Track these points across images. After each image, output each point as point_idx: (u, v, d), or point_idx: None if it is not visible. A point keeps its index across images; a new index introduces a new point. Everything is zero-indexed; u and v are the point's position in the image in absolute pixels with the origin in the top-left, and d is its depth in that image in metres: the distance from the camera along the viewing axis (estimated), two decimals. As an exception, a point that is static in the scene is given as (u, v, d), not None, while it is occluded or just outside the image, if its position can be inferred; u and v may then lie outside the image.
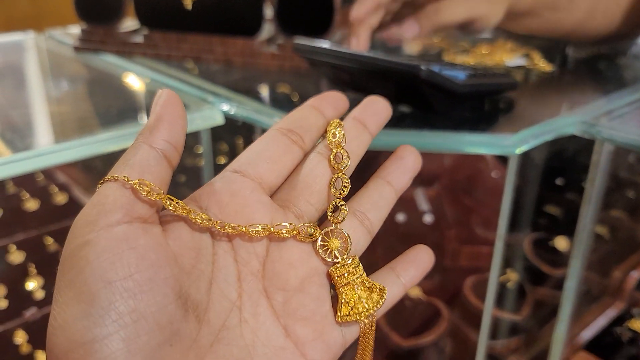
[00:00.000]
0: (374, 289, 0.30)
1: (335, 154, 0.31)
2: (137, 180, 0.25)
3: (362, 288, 0.29)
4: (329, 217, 0.30)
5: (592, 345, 0.63)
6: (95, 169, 0.93)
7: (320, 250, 0.29)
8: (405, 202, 0.77)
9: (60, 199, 0.87)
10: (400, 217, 0.75)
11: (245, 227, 0.27)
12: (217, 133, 0.61)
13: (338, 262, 0.29)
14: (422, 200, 0.78)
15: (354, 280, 0.29)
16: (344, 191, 0.30)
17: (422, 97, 0.51)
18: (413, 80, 0.46)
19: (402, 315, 0.64)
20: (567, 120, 0.54)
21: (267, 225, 0.28)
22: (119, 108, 0.71)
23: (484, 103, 0.59)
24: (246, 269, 0.28)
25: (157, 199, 0.25)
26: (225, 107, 0.57)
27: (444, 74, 0.48)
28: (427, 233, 0.74)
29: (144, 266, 0.23)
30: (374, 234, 0.32)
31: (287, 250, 0.29)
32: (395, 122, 0.55)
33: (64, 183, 0.92)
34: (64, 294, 0.23)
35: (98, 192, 0.25)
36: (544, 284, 0.71)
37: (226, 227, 0.27)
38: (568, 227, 0.76)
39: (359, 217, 0.31)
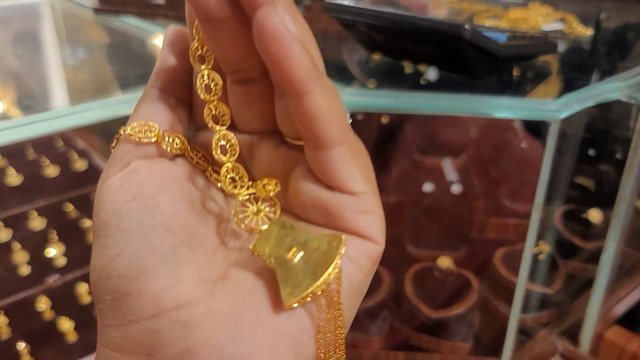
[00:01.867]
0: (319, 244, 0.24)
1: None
2: (137, 127, 0.25)
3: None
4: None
5: (625, 320, 0.62)
6: (115, 135, 0.91)
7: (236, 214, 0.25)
8: (432, 172, 0.75)
9: (80, 165, 0.85)
10: (427, 188, 0.73)
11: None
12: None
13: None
14: (449, 170, 0.76)
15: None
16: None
17: (462, 60, 0.48)
18: (455, 41, 0.44)
19: (432, 286, 0.63)
20: (612, 85, 0.52)
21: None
22: (139, 72, 0.69)
23: (524, 66, 0.57)
24: None
25: (156, 139, 0.25)
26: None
27: (486, 35, 0.46)
28: (455, 204, 0.72)
29: (147, 187, 0.24)
30: None
31: None
32: (432, 86, 0.53)
33: (83, 149, 0.90)
34: (93, 247, 0.24)
35: (112, 153, 0.26)
36: (575, 257, 0.69)
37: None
38: (601, 200, 0.74)
39: None
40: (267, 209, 0.26)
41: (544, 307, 0.64)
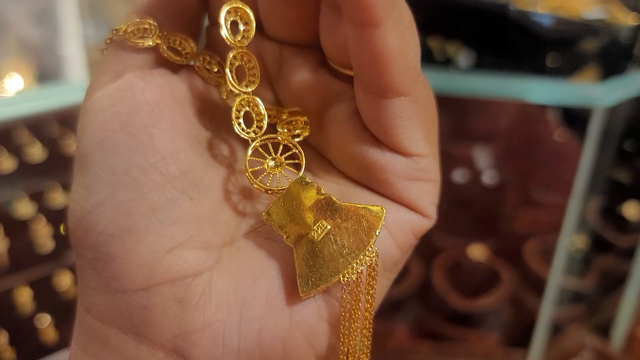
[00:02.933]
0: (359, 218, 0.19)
1: None
2: (133, 27, 0.20)
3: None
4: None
5: (659, 319, 0.60)
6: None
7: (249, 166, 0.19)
8: (462, 160, 0.74)
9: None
10: (457, 177, 0.72)
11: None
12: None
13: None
14: (480, 160, 0.74)
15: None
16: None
17: (504, 41, 0.47)
18: (500, 20, 0.43)
19: (461, 276, 0.61)
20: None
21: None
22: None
23: (568, 51, 0.55)
24: None
25: (157, 43, 0.20)
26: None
27: (532, 16, 0.44)
28: (485, 194, 0.70)
29: (141, 113, 0.18)
30: None
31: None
32: (474, 67, 0.52)
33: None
34: (73, 182, 0.19)
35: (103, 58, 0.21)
36: (610, 252, 0.68)
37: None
38: (638, 195, 0.72)
39: None
40: (288, 161, 0.20)
41: (574, 301, 0.62)
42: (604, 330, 0.61)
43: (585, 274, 0.64)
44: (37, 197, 0.76)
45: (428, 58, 0.55)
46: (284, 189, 0.19)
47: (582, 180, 0.50)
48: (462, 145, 0.75)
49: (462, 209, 0.69)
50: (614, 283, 0.65)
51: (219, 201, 0.20)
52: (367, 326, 0.19)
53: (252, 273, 0.19)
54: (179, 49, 0.20)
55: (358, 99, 0.19)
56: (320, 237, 0.19)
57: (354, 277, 0.18)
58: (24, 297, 0.63)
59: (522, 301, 0.60)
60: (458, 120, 0.79)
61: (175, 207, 0.18)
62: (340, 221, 0.19)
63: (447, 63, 0.52)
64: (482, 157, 0.74)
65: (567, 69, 0.56)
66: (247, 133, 0.19)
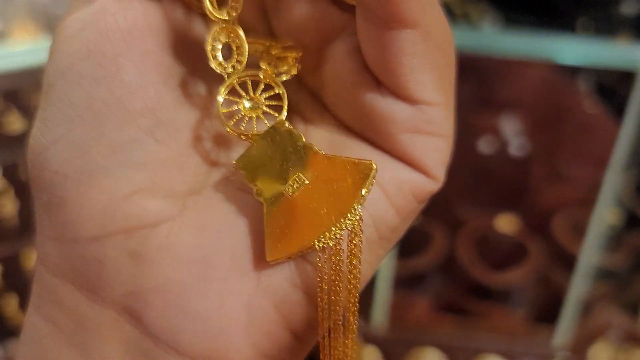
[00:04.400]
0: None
1: None
2: None
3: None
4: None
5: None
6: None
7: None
8: (487, 130, 0.71)
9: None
10: (483, 147, 0.69)
11: None
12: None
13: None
14: (506, 130, 0.71)
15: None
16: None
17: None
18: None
19: (486, 248, 0.59)
20: None
21: None
22: None
23: (603, 12, 0.52)
24: None
25: None
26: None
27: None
28: (511, 166, 0.68)
29: (110, 40, 0.16)
30: None
31: None
32: (511, 26, 0.49)
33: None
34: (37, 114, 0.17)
35: None
36: (641, 229, 0.65)
37: None
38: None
39: None
40: (268, 102, 0.17)
41: (604, 278, 0.60)
42: (633, 308, 0.58)
43: (617, 250, 0.61)
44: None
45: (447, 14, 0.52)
46: (258, 135, 0.17)
47: (620, 153, 0.47)
48: (488, 114, 0.73)
49: (487, 180, 0.67)
50: (646, 260, 0.62)
51: (189, 145, 0.17)
52: (353, 301, 0.16)
53: (218, 227, 0.16)
54: None
55: (359, 29, 0.16)
56: (296, 192, 0.16)
57: (331, 243, 0.16)
58: (35, 260, 0.61)
59: (550, 277, 0.58)
60: (483, 87, 0.76)
61: (138, 148, 0.16)
62: (322, 176, 0.16)
63: (467, 20, 0.49)
64: (508, 127, 0.71)
65: (602, 32, 0.53)
66: (224, 68, 0.17)
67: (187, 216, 0.17)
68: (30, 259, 0.60)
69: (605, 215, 0.51)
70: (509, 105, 0.73)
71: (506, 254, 0.59)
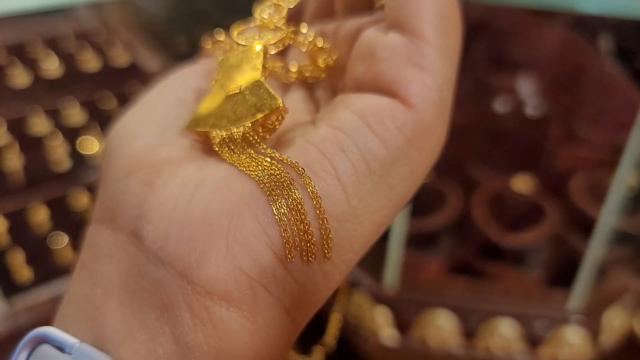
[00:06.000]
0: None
1: None
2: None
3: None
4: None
5: None
6: (161, 33, 0.86)
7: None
8: (503, 90, 0.69)
9: (124, 60, 0.80)
10: (497, 107, 0.67)
11: None
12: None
13: None
14: (522, 89, 0.69)
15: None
16: None
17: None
18: None
19: (502, 209, 0.58)
20: None
21: None
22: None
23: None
24: None
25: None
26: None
27: None
28: (527, 126, 0.66)
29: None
30: None
31: None
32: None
33: (128, 43, 0.85)
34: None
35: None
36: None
37: None
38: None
39: None
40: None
41: (621, 242, 0.59)
42: (650, 273, 0.57)
43: (635, 214, 0.60)
44: (53, 113, 0.72)
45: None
46: (245, 46, 0.20)
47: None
48: (503, 75, 0.71)
49: (502, 140, 0.65)
50: (664, 224, 0.61)
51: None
52: (301, 219, 0.17)
53: (214, 163, 0.19)
54: None
55: None
56: (231, 93, 0.19)
57: (223, 134, 0.19)
58: (41, 216, 0.60)
59: (566, 239, 0.57)
60: (498, 45, 0.74)
61: (177, 118, 0.21)
62: (250, 89, 0.19)
63: None
64: (525, 87, 0.69)
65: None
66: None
67: (192, 156, 0.20)
68: (34, 215, 0.59)
69: (626, 177, 0.49)
70: (524, 65, 0.71)
71: (521, 215, 0.57)
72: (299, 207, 0.17)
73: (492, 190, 0.59)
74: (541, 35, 0.73)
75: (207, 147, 0.20)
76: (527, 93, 0.70)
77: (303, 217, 0.17)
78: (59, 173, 0.65)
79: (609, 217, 0.49)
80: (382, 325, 0.52)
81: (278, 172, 0.17)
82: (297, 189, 0.17)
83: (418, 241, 0.56)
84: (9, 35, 0.78)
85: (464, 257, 0.56)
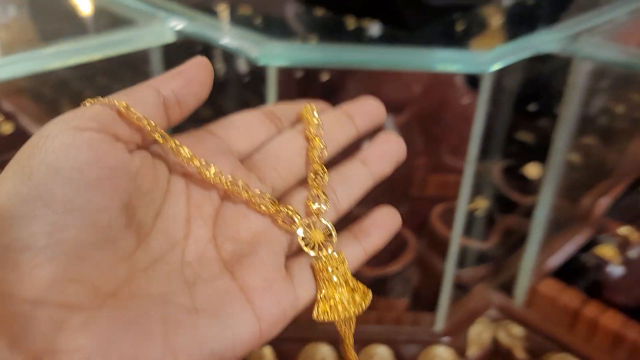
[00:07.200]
0: (357, 290, 0.28)
1: (312, 140, 0.30)
2: (124, 104, 0.24)
3: (346, 288, 0.27)
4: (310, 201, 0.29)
5: (559, 273, 0.63)
6: (45, 98, 0.87)
7: (302, 243, 0.27)
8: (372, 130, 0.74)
9: (6, 128, 0.81)
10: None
11: (213, 172, 0.26)
12: (171, 56, 0.56)
13: (321, 256, 0.27)
14: (390, 128, 0.75)
15: (338, 277, 0.27)
16: (322, 179, 0.29)
17: (393, 10, 0.47)
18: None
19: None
20: (547, 36, 0.51)
21: (239, 182, 0.26)
22: (66, 27, 0.65)
23: (456, 19, 0.55)
24: (197, 213, 0.26)
25: (140, 123, 0.24)
26: (175, 23, 0.52)
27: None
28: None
29: (98, 167, 0.22)
30: (341, 213, 0.30)
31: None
32: (366, 40, 0.52)
33: (11, 112, 0.85)
34: (4, 172, 0.22)
35: (83, 107, 0.24)
36: (513, 212, 0.70)
37: (195, 161, 0.26)
38: (540, 155, 0.74)
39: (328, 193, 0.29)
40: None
41: (479, 262, 0.64)
42: (509, 288, 0.63)
43: (489, 234, 0.66)
44: None
45: (343, 35, 0.55)
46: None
47: (475, 144, 0.51)
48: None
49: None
50: (518, 242, 0.67)
51: (123, 254, 0.23)
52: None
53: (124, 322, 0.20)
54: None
55: None
56: (336, 292, 0.27)
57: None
58: None
59: (430, 265, 0.62)
60: (369, 91, 0.79)
61: (88, 250, 0.21)
62: (350, 288, 0.28)
63: (360, 39, 0.52)
64: (393, 126, 0.74)
65: (467, 35, 0.57)
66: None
67: (104, 310, 0.20)
68: None
69: (472, 202, 0.54)
70: (393, 105, 0.76)
71: (388, 247, 0.62)
72: None
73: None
74: (410, 75, 0.79)
75: (105, 287, 0.21)
76: (397, 129, 0.75)
77: None
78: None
79: (457, 238, 0.54)
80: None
81: None
82: None
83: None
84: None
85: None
